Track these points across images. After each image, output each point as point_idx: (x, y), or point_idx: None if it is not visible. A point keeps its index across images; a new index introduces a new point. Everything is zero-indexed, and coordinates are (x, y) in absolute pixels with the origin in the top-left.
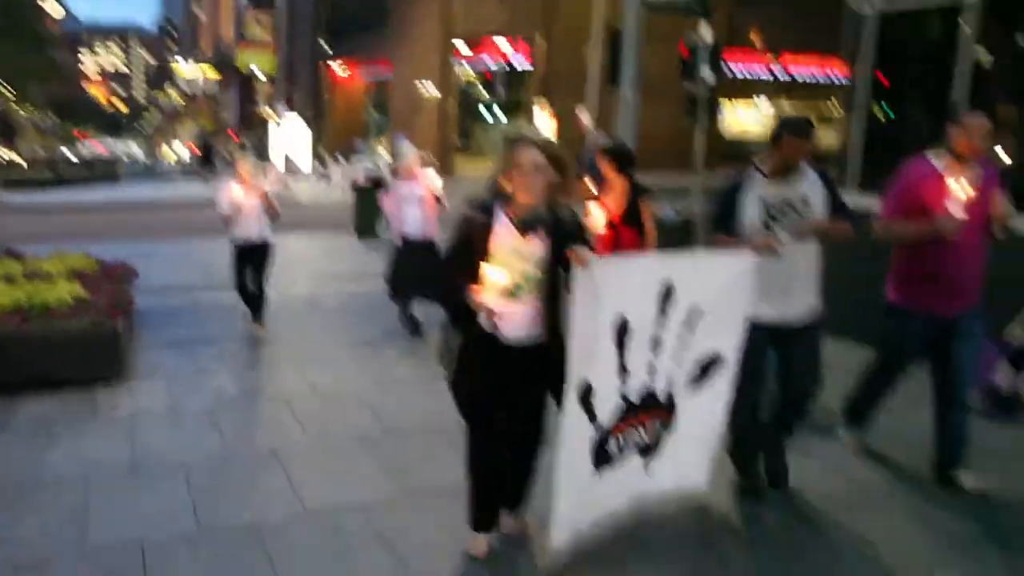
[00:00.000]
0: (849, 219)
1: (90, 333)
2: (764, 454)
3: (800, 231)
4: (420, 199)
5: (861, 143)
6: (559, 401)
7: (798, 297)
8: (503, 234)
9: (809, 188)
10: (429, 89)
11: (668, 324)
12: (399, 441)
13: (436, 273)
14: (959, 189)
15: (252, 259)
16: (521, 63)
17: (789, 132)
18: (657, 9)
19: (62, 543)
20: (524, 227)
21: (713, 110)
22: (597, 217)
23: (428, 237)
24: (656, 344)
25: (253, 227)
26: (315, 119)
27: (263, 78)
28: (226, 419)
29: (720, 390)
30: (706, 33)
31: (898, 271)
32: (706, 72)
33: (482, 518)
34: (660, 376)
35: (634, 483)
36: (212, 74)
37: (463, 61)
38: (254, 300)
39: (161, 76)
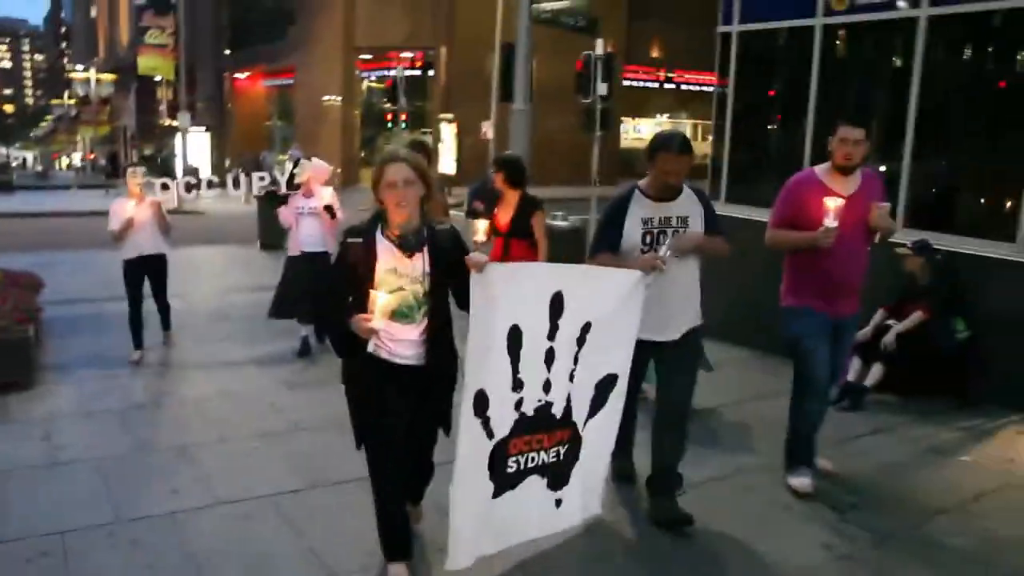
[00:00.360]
0: (723, 235)
1: (0, 340)
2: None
3: (680, 248)
4: (315, 213)
5: (727, 156)
6: (446, 425)
7: (680, 313)
8: (384, 256)
9: (688, 207)
10: (332, 99)
11: (559, 337)
12: (305, 436)
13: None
14: (832, 201)
15: (148, 273)
16: (423, 74)
17: (663, 149)
18: (546, 23)
19: None
20: (403, 246)
21: (608, 123)
22: (479, 228)
23: (323, 251)
24: (550, 358)
25: (146, 241)
26: (218, 128)
27: (163, 85)
28: (136, 419)
29: (615, 409)
30: (600, 48)
31: (788, 274)
32: (600, 86)
33: (396, 545)
34: (556, 392)
35: (541, 516)
36: (109, 78)
37: (366, 71)
38: (161, 312)
39: (53, 79)
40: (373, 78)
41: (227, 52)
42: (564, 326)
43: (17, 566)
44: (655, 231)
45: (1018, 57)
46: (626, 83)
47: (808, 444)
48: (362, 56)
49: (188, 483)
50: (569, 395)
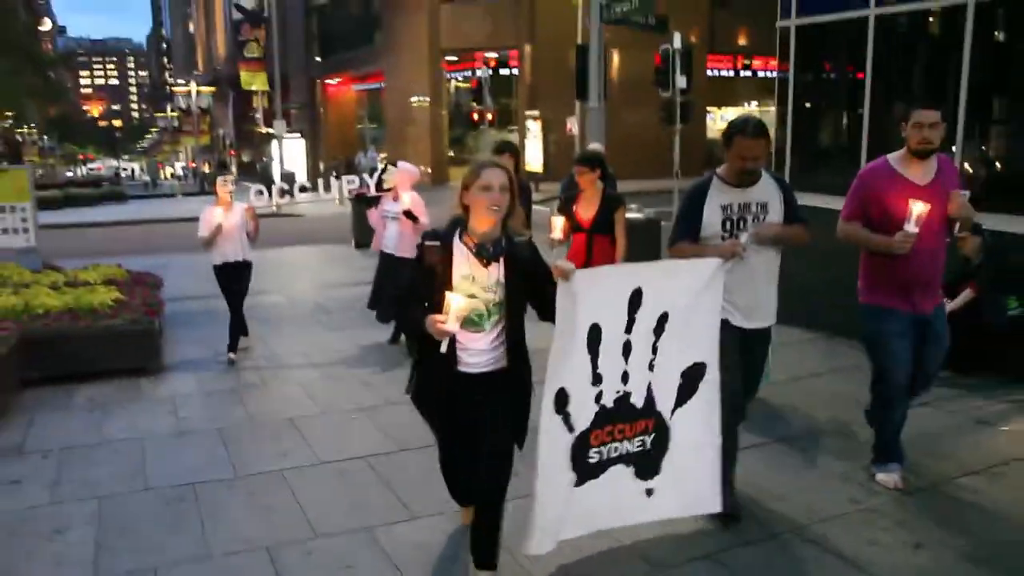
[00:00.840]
0: (804, 223)
1: (131, 330)
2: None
3: (760, 236)
4: (398, 217)
5: (790, 140)
6: (519, 435)
7: (761, 302)
8: (461, 262)
9: (767, 193)
10: (420, 100)
11: (636, 328)
12: (395, 409)
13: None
14: (917, 206)
15: (231, 279)
16: (509, 72)
17: (738, 133)
18: (617, 23)
19: (129, 484)
20: (481, 254)
21: (688, 116)
22: (556, 225)
23: (403, 255)
24: (627, 350)
25: (232, 248)
26: (311, 133)
27: (259, 94)
28: (249, 397)
29: (710, 399)
30: (678, 42)
31: (865, 272)
32: (680, 80)
33: (481, 552)
34: (635, 382)
35: (631, 506)
36: (208, 90)
37: (452, 72)
38: (233, 327)
39: (157, 93)
40: (459, 78)
41: (317, 59)
42: (641, 318)
43: (159, 506)
44: (735, 217)
45: None
46: (710, 73)
47: (895, 444)
48: (447, 58)
49: (295, 447)
50: (650, 384)
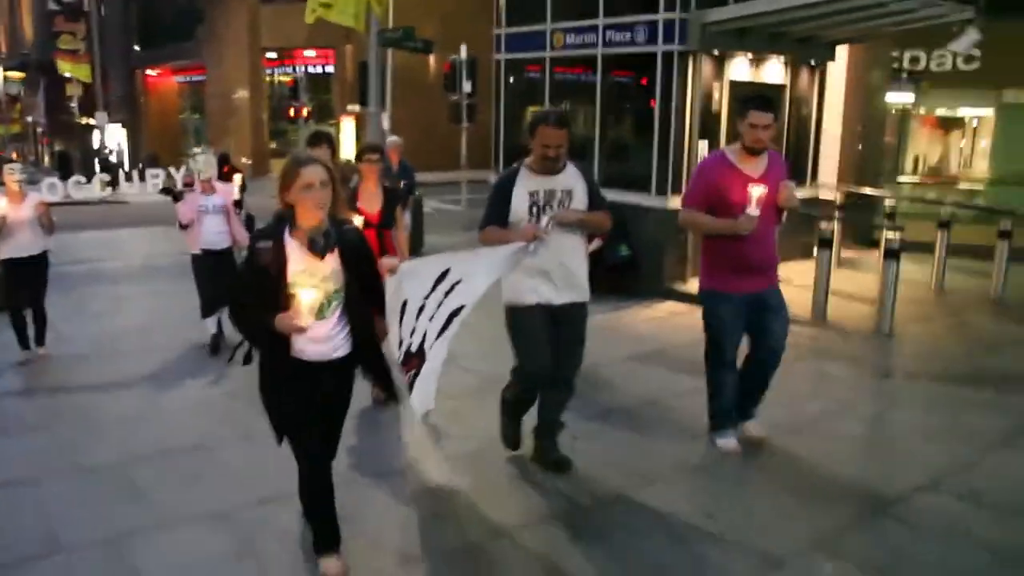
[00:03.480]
0: (605, 209)
1: None
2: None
3: (562, 220)
4: (220, 210)
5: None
6: (390, 391)
7: (572, 279)
8: (295, 258)
9: (571, 180)
10: (241, 94)
11: (434, 294)
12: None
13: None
14: (756, 189)
15: (25, 276)
16: (327, 69)
17: (542, 123)
18: (393, 46)
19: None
20: (314, 248)
21: (473, 116)
22: (356, 223)
23: (228, 247)
24: (420, 311)
25: (24, 241)
26: (131, 123)
27: (74, 82)
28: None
29: (455, 331)
30: (464, 54)
31: (706, 258)
32: (466, 84)
33: (327, 536)
34: (419, 334)
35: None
36: (17, 76)
37: (273, 68)
38: (36, 320)
39: None
40: (280, 74)
41: (137, 49)
42: (440, 288)
43: None
44: (541, 203)
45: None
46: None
47: (730, 407)
48: (268, 55)
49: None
50: (427, 332)
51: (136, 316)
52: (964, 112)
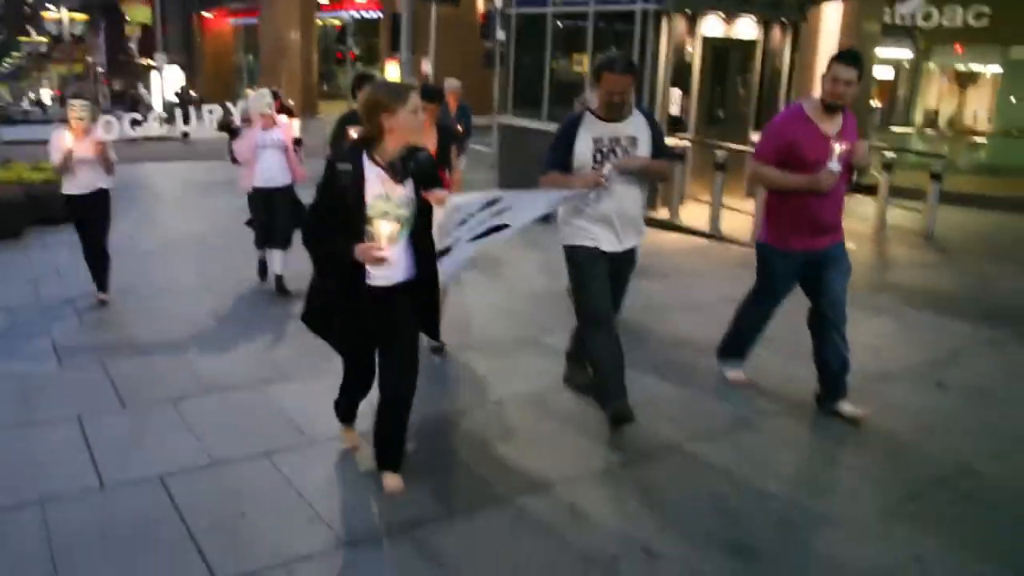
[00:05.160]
0: (669, 158)
1: None
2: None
3: (624, 167)
4: (280, 146)
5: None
6: (434, 332)
7: (629, 226)
8: (374, 181)
9: (636, 127)
10: (293, 37)
11: (480, 215)
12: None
13: (296, 220)
14: (839, 145)
15: (87, 213)
16: (375, 15)
17: (607, 69)
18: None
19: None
20: (395, 172)
21: (507, 62)
22: None
23: (287, 184)
24: (462, 223)
25: (85, 177)
26: (188, 65)
27: (132, 23)
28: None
29: (490, 241)
30: (499, 2)
31: (770, 214)
32: (500, 33)
33: (347, 413)
34: (453, 238)
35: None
36: (81, 17)
37: (323, 13)
38: (97, 263)
39: (17, 14)
40: (330, 19)
41: None
42: (488, 211)
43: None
44: (605, 149)
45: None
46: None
47: (750, 342)
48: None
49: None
50: (460, 237)
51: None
52: (971, 68)
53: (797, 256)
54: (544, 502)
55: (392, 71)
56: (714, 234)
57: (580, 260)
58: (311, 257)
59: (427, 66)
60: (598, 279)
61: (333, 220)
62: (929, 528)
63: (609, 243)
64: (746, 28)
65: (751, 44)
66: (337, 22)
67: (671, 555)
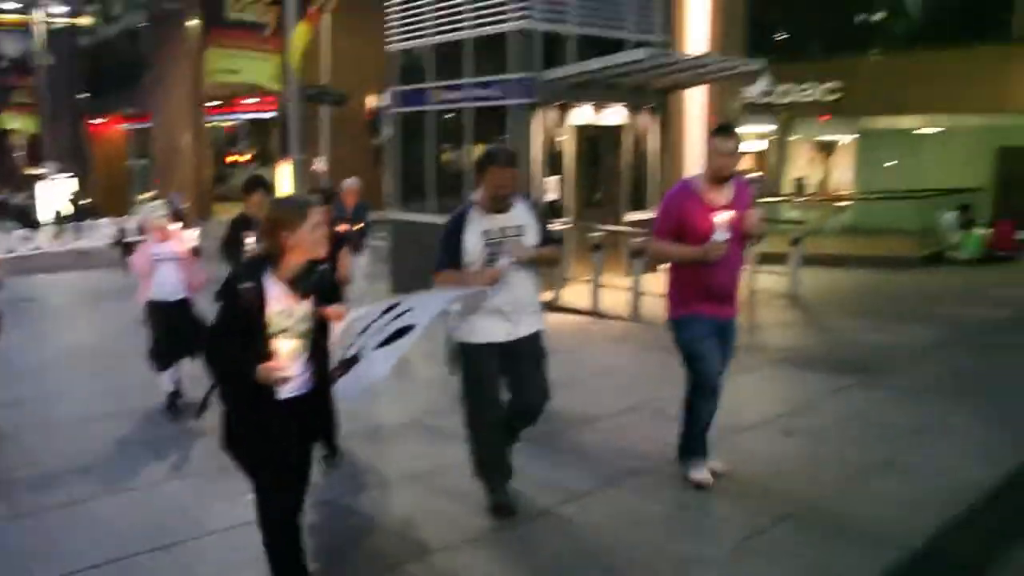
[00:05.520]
0: (555, 243)
1: None
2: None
3: (519, 258)
4: (175, 258)
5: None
6: (330, 440)
7: (526, 312)
8: (276, 298)
9: (522, 217)
10: (185, 140)
11: (381, 320)
12: None
13: (196, 332)
14: (721, 216)
15: None
16: (266, 116)
17: (492, 163)
18: (313, 100)
19: None
20: (297, 289)
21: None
22: None
23: (184, 297)
24: (364, 331)
25: None
26: (79, 173)
27: (17, 133)
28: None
29: (402, 348)
30: (385, 99)
31: (673, 287)
32: (386, 130)
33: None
34: (356, 347)
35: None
36: None
37: (215, 116)
38: None
39: None
40: (221, 121)
41: (84, 97)
42: (388, 315)
43: None
44: (495, 242)
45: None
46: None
47: (703, 439)
48: (210, 103)
49: None
50: (365, 344)
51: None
52: (830, 138)
53: (707, 320)
54: (427, 569)
55: (285, 172)
56: (595, 311)
57: (472, 359)
58: (214, 375)
59: (321, 164)
60: (491, 381)
61: (234, 338)
62: (776, 559)
63: (504, 333)
64: (614, 115)
65: (620, 129)
66: (230, 123)
67: None
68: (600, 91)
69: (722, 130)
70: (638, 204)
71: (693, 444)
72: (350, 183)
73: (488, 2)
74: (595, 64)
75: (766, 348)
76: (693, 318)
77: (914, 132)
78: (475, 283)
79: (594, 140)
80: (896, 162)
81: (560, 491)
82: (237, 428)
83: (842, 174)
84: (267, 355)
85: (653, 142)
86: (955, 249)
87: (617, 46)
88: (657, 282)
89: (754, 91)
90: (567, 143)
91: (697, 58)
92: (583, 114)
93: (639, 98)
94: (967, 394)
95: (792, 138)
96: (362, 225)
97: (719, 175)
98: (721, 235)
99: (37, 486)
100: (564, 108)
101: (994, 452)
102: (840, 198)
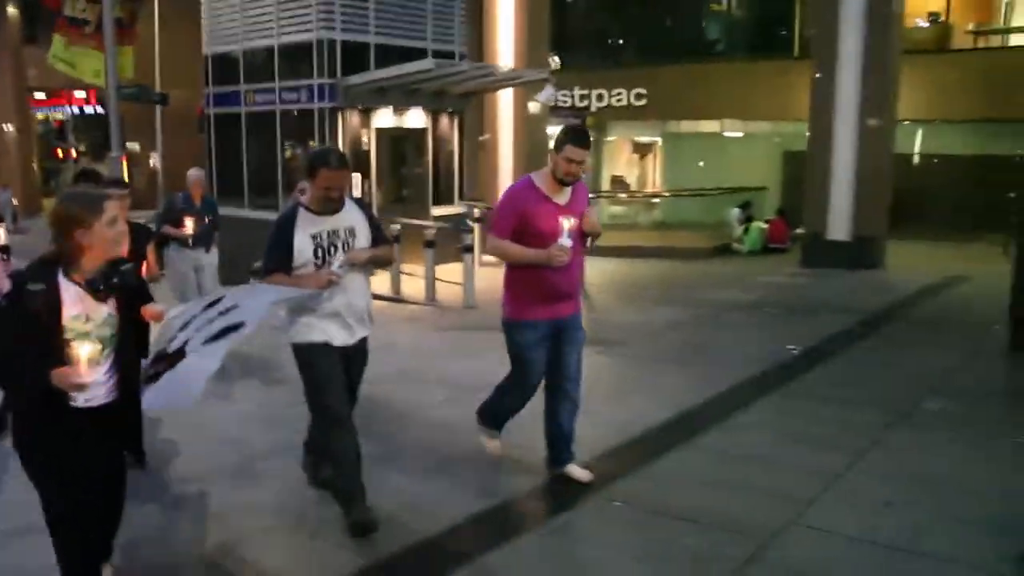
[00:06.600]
0: (387, 242)
1: None
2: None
3: (353, 261)
4: None
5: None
6: (138, 451)
7: (361, 317)
8: (72, 301)
9: (352, 218)
10: (10, 133)
11: (204, 315)
12: None
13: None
14: (567, 220)
15: None
16: (99, 110)
17: (323, 165)
18: (130, 99)
19: None
20: (97, 289)
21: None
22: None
23: None
24: (184, 326)
25: None
26: None
27: None
28: None
29: (229, 345)
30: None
31: (509, 287)
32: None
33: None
34: (178, 342)
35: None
36: None
37: (41, 108)
38: None
39: None
40: (49, 114)
41: None
42: (212, 310)
43: None
44: (325, 245)
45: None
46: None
47: (503, 420)
48: (37, 95)
49: None
50: (189, 339)
51: None
52: (639, 139)
53: (542, 325)
54: None
55: (117, 166)
56: (395, 297)
57: (313, 359)
58: (2, 387)
59: (155, 160)
60: (333, 378)
61: (22, 346)
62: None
63: (341, 337)
64: (416, 118)
65: (422, 132)
66: (59, 116)
67: None
68: (402, 96)
69: (577, 137)
70: (443, 200)
71: (494, 418)
72: (194, 174)
73: (292, 12)
74: (389, 72)
75: None
76: (527, 325)
77: (717, 135)
78: (308, 286)
79: (398, 141)
80: (702, 163)
81: (443, 518)
82: (22, 434)
83: (654, 173)
84: (62, 362)
85: (454, 144)
86: (739, 242)
87: (420, 55)
88: (452, 272)
89: (542, 98)
90: (371, 144)
91: (482, 67)
92: (385, 117)
93: (439, 103)
94: (685, 360)
95: (609, 139)
96: (211, 219)
97: (564, 180)
98: (566, 240)
99: None
100: (367, 112)
101: (679, 399)
102: (651, 195)
